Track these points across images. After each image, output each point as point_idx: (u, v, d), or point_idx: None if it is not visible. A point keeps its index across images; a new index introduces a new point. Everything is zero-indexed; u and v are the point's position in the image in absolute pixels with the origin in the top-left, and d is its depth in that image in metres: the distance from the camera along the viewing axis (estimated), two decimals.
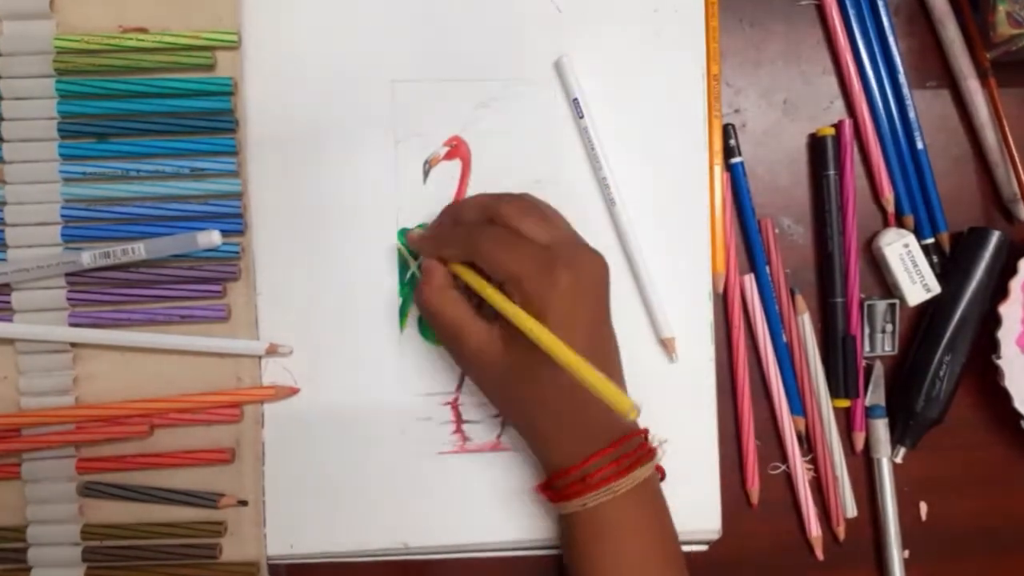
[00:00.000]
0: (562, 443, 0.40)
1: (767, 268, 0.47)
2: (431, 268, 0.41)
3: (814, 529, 0.47)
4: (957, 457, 0.48)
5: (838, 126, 0.47)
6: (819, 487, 0.47)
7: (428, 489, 0.45)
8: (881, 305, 0.47)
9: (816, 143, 0.48)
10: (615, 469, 0.39)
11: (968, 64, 0.47)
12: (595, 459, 0.39)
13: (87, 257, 0.43)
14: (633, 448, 0.40)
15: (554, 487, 0.40)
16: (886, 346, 0.48)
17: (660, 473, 0.42)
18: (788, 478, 0.47)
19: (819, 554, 0.47)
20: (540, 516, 0.46)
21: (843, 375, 0.46)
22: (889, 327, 0.48)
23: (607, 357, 0.40)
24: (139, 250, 0.43)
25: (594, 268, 0.39)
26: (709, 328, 0.46)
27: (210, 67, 0.44)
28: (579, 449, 0.39)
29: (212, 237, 0.43)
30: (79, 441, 0.44)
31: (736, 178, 0.47)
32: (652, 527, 0.40)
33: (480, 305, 0.40)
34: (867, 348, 0.48)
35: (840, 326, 0.47)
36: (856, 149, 0.48)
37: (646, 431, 0.41)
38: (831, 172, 0.47)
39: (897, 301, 0.47)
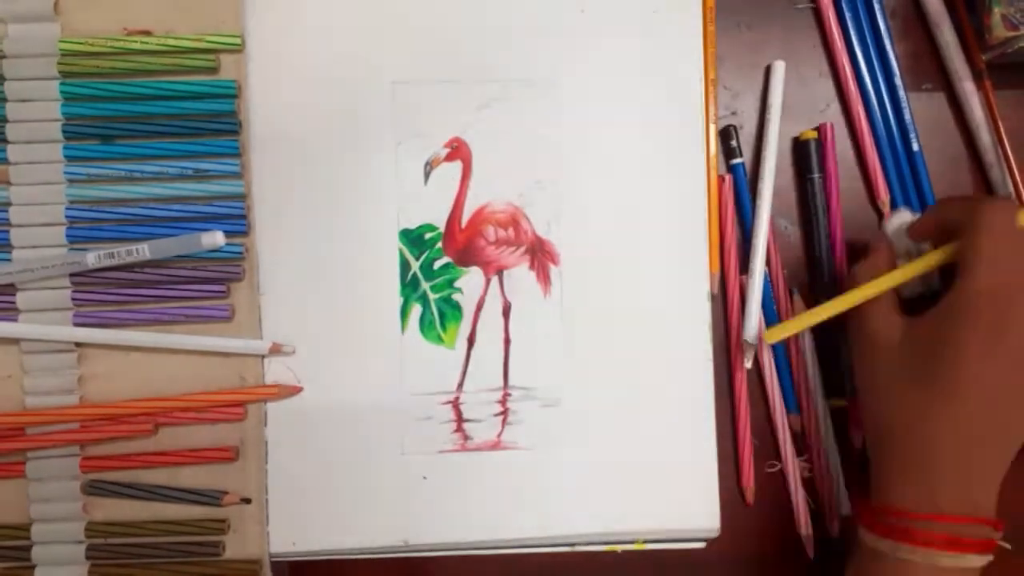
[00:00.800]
0: (922, 483, 0.36)
1: (766, 268, 0.47)
2: (878, 249, 0.40)
3: (804, 528, 0.47)
4: None
5: (820, 129, 0.48)
6: (815, 485, 0.48)
7: (429, 487, 0.46)
8: None
9: (799, 146, 0.48)
10: (952, 543, 0.35)
11: (964, 66, 0.48)
12: (949, 521, 0.35)
13: (92, 258, 0.43)
14: (980, 535, 0.36)
15: (883, 521, 0.37)
16: None
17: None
18: (785, 476, 0.48)
19: (809, 552, 0.47)
20: (541, 514, 0.46)
21: (838, 375, 0.47)
22: None
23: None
24: (143, 251, 0.43)
25: None
26: (707, 328, 0.46)
27: (214, 70, 0.45)
28: (938, 499, 0.36)
29: (216, 238, 0.43)
30: (83, 440, 0.44)
31: (737, 179, 0.48)
32: None
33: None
34: None
35: (833, 327, 0.47)
36: (852, 151, 0.48)
37: (999, 523, 0.37)
38: (815, 175, 0.47)
39: None
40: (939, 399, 0.35)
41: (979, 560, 0.36)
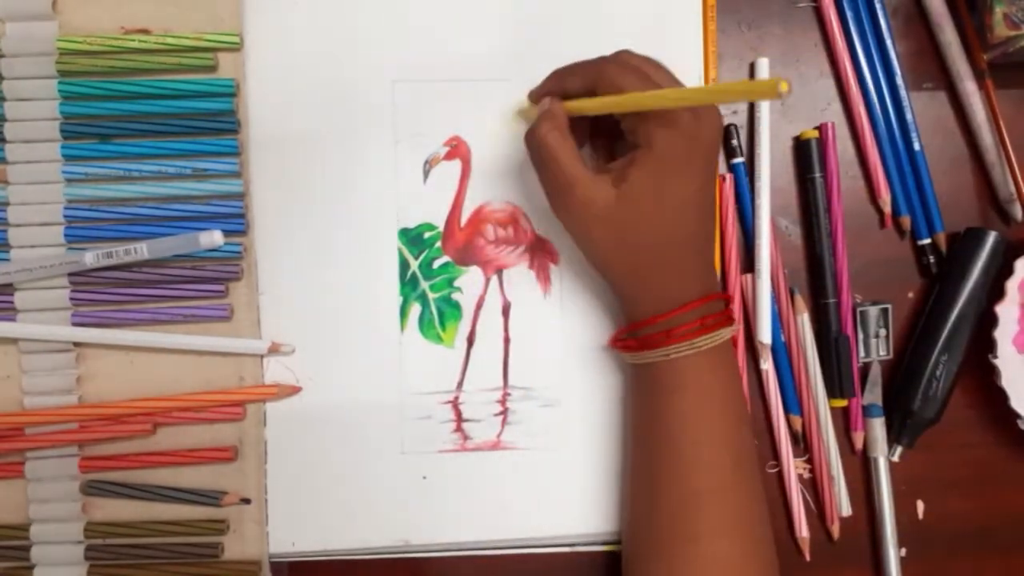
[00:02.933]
0: (654, 290, 0.40)
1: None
2: (552, 107, 0.41)
3: (802, 529, 0.47)
4: (954, 456, 0.49)
5: (821, 128, 0.48)
6: (815, 486, 0.48)
7: (429, 487, 0.46)
8: (874, 311, 0.48)
9: (800, 146, 0.48)
10: (700, 325, 0.40)
11: (965, 66, 0.48)
12: (684, 311, 0.39)
13: (90, 257, 0.43)
14: (719, 309, 0.41)
15: (636, 335, 0.41)
16: (880, 351, 0.48)
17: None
18: (784, 476, 0.48)
19: (806, 555, 0.47)
20: (540, 514, 0.46)
21: (838, 374, 0.47)
22: (883, 331, 0.48)
23: (710, 202, 0.41)
24: (141, 250, 0.43)
25: (715, 118, 0.39)
26: None
27: (212, 68, 0.45)
28: (670, 297, 0.40)
29: (214, 237, 0.43)
30: (82, 440, 0.44)
31: (738, 178, 0.47)
32: (727, 387, 0.41)
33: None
34: (862, 353, 0.48)
35: (834, 327, 0.47)
36: (853, 150, 0.48)
37: (727, 295, 0.43)
38: (816, 175, 0.47)
39: (890, 305, 0.48)
40: (651, 228, 0.39)
41: (728, 332, 0.41)
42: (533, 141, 0.41)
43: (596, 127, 0.44)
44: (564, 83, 0.42)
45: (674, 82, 0.40)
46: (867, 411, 0.48)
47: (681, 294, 0.40)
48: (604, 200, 0.39)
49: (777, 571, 0.42)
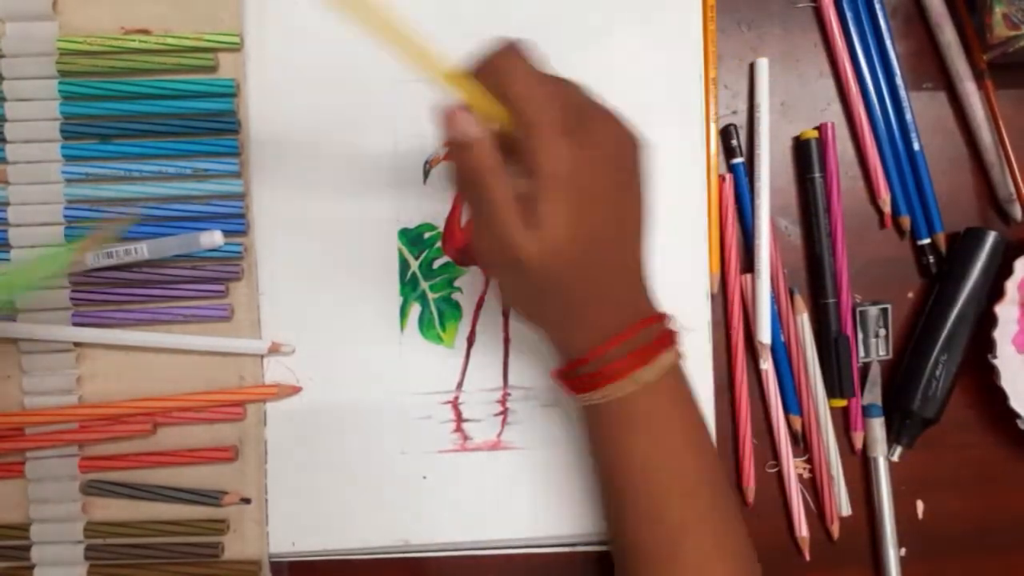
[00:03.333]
0: (577, 329, 0.36)
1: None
2: (460, 119, 0.34)
3: (802, 529, 0.47)
4: (953, 456, 0.49)
5: (821, 128, 0.48)
6: (815, 486, 0.48)
7: (429, 487, 0.46)
8: (873, 311, 0.48)
9: (800, 146, 0.48)
10: (637, 358, 0.36)
11: (965, 66, 0.48)
12: (613, 345, 0.36)
13: (90, 257, 0.43)
14: (654, 335, 0.37)
15: (574, 375, 0.37)
16: (880, 351, 0.48)
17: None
18: (784, 477, 0.48)
19: (806, 555, 0.47)
20: (540, 514, 0.46)
21: (837, 374, 0.47)
22: (882, 331, 0.48)
23: (635, 227, 0.37)
24: (142, 250, 0.43)
25: (618, 128, 0.36)
26: (708, 327, 0.46)
27: (212, 69, 0.45)
28: (596, 335, 0.36)
29: (214, 237, 0.43)
30: (82, 440, 0.44)
31: (737, 178, 0.47)
32: (684, 413, 0.38)
33: None
34: (862, 353, 0.48)
35: (834, 327, 0.47)
36: (852, 151, 0.48)
37: (663, 316, 0.38)
38: (816, 175, 0.47)
39: (889, 306, 0.48)
40: (575, 267, 0.35)
41: (673, 355, 0.37)
42: (459, 164, 0.35)
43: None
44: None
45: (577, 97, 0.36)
46: (867, 411, 0.48)
47: (605, 329, 0.36)
48: (528, 256, 0.34)
49: None
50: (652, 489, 0.37)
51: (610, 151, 0.35)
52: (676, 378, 0.38)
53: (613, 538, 0.41)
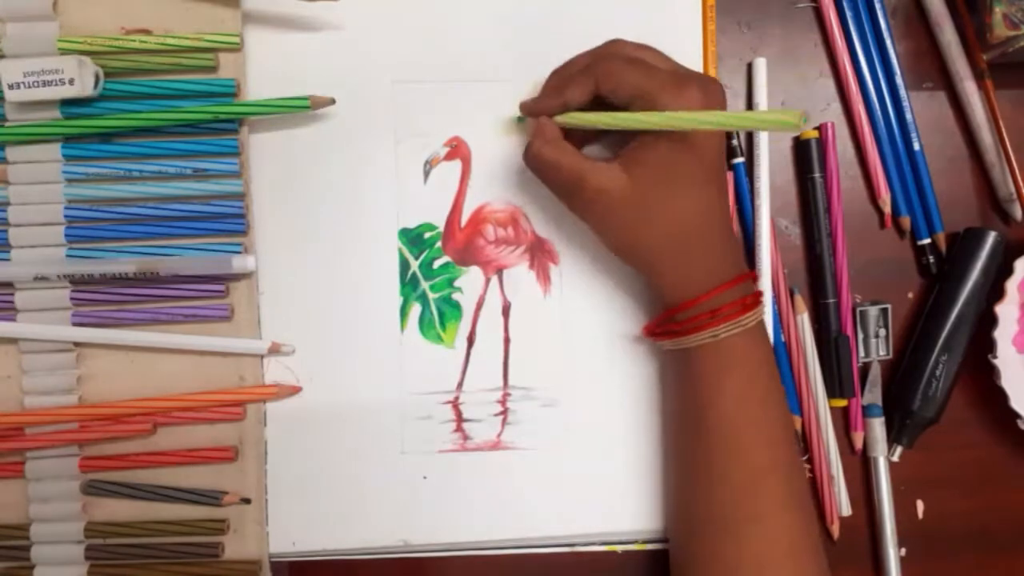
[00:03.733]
0: (690, 273, 0.40)
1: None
2: (541, 123, 0.41)
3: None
4: (953, 456, 0.49)
5: (821, 128, 0.48)
6: (815, 486, 0.48)
7: (429, 487, 0.46)
8: (873, 311, 0.48)
9: (800, 146, 0.48)
10: (742, 304, 0.40)
11: (965, 66, 0.48)
12: (725, 289, 0.39)
13: (130, 267, 0.43)
14: (752, 289, 0.41)
15: (677, 319, 0.41)
16: (880, 351, 0.48)
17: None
18: None
19: None
20: (540, 514, 0.46)
21: (837, 374, 0.47)
22: (882, 331, 0.48)
23: (724, 177, 0.41)
24: (171, 267, 0.43)
25: (719, 90, 0.40)
26: None
27: (212, 69, 0.45)
28: (707, 279, 0.40)
29: (247, 262, 0.44)
30: (82, 440, 0.44)
31: (738, 178, 0.47)
32: (772, 363, 0.41)
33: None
34: (862, 353, 0.48)
35: (834, 327, 0.47)
36: (852, 151, 0.48)
37: (756, 275, 0.43)
38: (816, 175, 0.47)
39: (889, 306, 0.48)
40: (676, 211, 0.39)
41: (762, 311, 0.41)
42: (529, 160, 0.42)
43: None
44: (564, 96, 0.41)
45: (672, 64, 0.41)
46: (867, 411, 0.48)
47: (717, 273, 0.40)
48: (618, 185, 0.39)
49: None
50: (742, 429, 0.40)
51: (716, 104, 0.39)
52: (764, 331, 0.42)
53: (682, 489, 0.43)
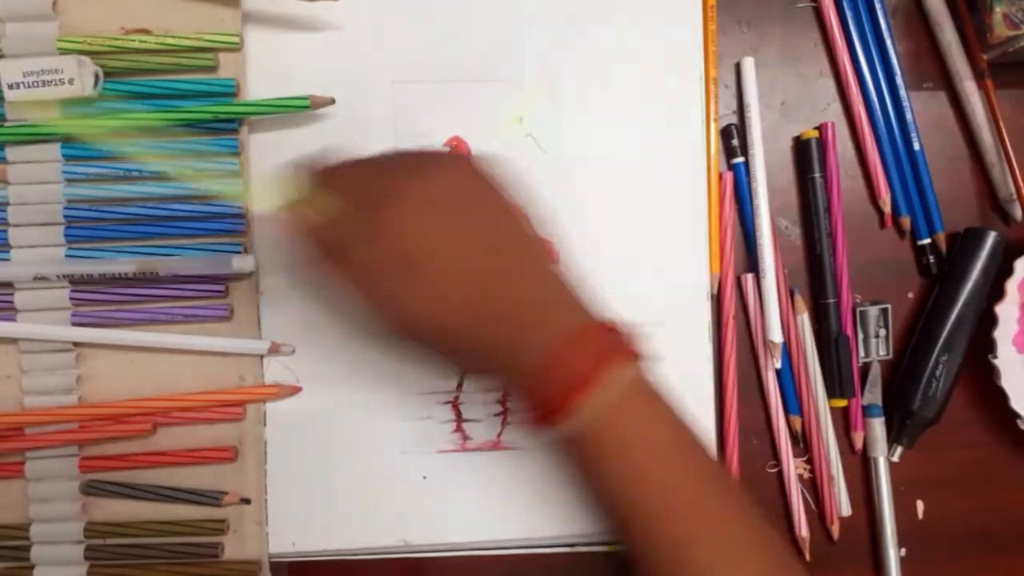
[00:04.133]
0: (527, 342, 0.34)
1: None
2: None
3: (802, 529, 0.47)
4: (953, 456, 0.49)
5: (821, 128, 0.48)
6: (815, 486, 0.48)
7: (429, 487, 0.46)
8: (873, 311, 0.48)
9: (800, 146, 0.48)
10: (579, 385, 0.33)
11: (965, 65, 0.48)
12: (553, 372, 0.33)
13: (131, 267, 0.43)
14: (628, 339, 0.35)
15: (554, 401, 0.34)
16: (880, 351, 0.48)
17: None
18: (783, 477, 0.48)
19: (806, 555, 0.47)
20: (540, 514, 0.46)
21: (838, 374, 0.47)
22: (882, 331, 0.48)
23: (513, 251, 0.36)
24: (170, 267, 0.43)
25: (446, 169, 0.36)
26: (707, 328, 0.46)
27: (212, 68, 0.45)
28: (542, 345, 0.34)
29: (245, 262, 0.44)
30: (82, 440, 0.44)
31: (737, 178, 0.47)
32: (657, 429, 0.35)
33: None
34: (862, 353, 0.48)
35: (834, 327, 0.47)
36: (852, 151, 0.48)
37: (613, 325, 0.35)
38: (816, 175, 0.47)
39: (889, 306, 0.48)
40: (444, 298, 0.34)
41: (631, 367, 0.34)
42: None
43: None
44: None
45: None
46: (867, 411, 0.48)
47: (548, 339, 0.34)
48: (415, 311, 0.34)
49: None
50: (652, 509, 0.34)
51: (441, 184, 0.35)
52: (641, 389, 0.35)
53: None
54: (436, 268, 0.34)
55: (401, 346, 0.36)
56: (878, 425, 0.48)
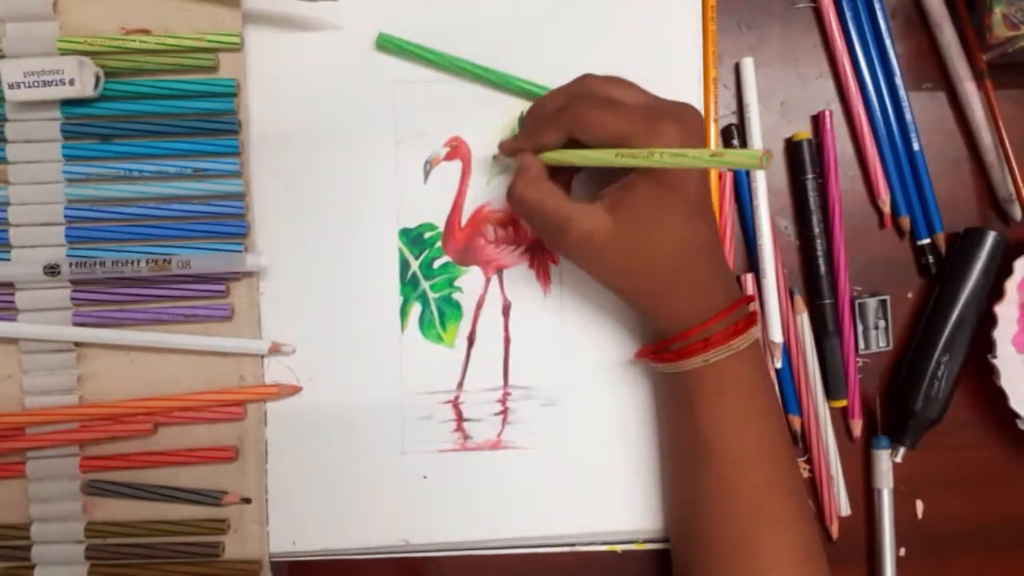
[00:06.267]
0: (680, 308, 0.40)
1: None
2: (525, 161, 0.41)
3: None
4: (953, 456, 0.49)
5: (818, 117, 0.47)
6: (815, 486, 0.48)
7: (429, 487, 0.46)
8: (872, 302, 0.48)
9: (792, 147, 0.48)
10: (733, 330, 0.40)
11: (964, 66, 0.48)
12: (716, 321, 0.40)
13: (144, 264, 0.43)
14: (745, 314, 0.41)
15: (672, 349, 0.41)
16: (880, 342, 0.48)
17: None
18: None
19: None
20: (540, 514, 0.46)
21: (824, 375, 0.47)
22: (882, 323, 0.48)
23: (710, 209, 0.41)
24: (187, 264, 0.44)
25: (696, 118, 0.40)
26: None
27: (213, 69, 0.45)
28: (698, 313, 0.40)
29: (260, 260, 0.44)
30: (83, 440, 0.44)
31: (738, 178, 0.47)
32: (767, 379, 0.42)
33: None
34: (862, 345, 0.48)
35: (830, 326, 0.47)
36: (852, 151, 0.48)
37: (750, 298, 0.44)
38: (808, 176, 0.47)
39: (888, 297, 0.48)
40: (662, 245, 0.39)
41: (757, 331, 0.42)
42: (513, 200, 0.41)
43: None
44: (538, 139, 0.41)
45: (642, 95, 0.41)
46: (873, 443, 0.48)
47: (709, 306, 0.40)
48: (602, 228, 0.39)
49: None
50: (740, 449, 0.40)
51: (693, 134, 0.39)
52: (759, 349, 0.42)
53: (683, 506, 0.43)
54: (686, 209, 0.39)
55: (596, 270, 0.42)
56: (884, 457, 0.47)
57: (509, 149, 0.44)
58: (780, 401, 0.43)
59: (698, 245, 0.40)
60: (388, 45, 0.45)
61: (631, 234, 0.39)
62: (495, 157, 0.46)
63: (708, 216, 0.41)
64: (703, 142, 0.41)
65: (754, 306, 0.45)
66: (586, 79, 0.42)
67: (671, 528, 0.46)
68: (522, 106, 0.46)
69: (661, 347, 0.42)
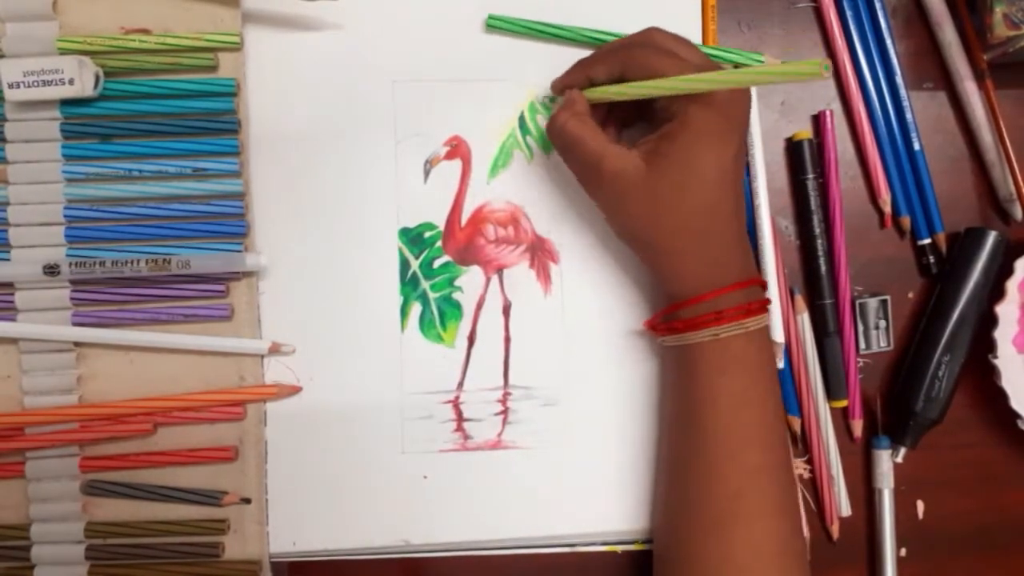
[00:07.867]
0: (699, 268, 0.40)
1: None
2: (572, 95, 0.42)
3: (802, 529, 0.47)
4: (954, 456, 0.49)
5: (819, 116, 0.47)
6: (815, 486, 0.48)
7: (429, 487, 0.46)
8: (873, 302, 0.48)
9: (793, 147, 0.48)
10: (746, 308, 0.40)
11: (965, 66, 0.48)
12: (731, 291, 0.40)
13: (143, 264, 0.43)
14: (759, 295, 0.41)
15: (681, 316, 0.41)
16: (881, 342, 0.48)
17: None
18: None
19: (806, 554, 0.47)
20: (540, 514, 0.46)
21: (824, 375, 0.47)
22: (882, 323, 0.48)
23: (740, 181, 0.41)
24: (186, 264, 0.43)
25: (747, 97, 0.41)
26: None
27: (212, 68, 0.45)
28: (715, 277, 0.40)
29: (260, 259, 0.44)
30: (83, 440, 0.44)
31: None
32: (772, 367, 0.42)
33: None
34: (862, 345, 0.48)
35: (830, 327, 0.47)
36: (853, 151, 0.48)
37: (765, 282, 0.43)
38: (809, 176, 0.47)
39: (888, 297, 0.48)
40: (690, 203, 0.39)
41: (767, 317, 0.41)
42: (554, 130, 0.42)
43: (619, 107, 0.44)
44: (589, 72, 0.42)
45: (705, 59, 0.41)
46: (874, 443, 0.48)
47: (726, 273, 0.40)
48: (634, 170, 0.39)
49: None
50: (737, 429, 0.40)
51: (743, 113, 0.41)
52: (767, 336, 0.42)
53: (673, 486, 0.43)
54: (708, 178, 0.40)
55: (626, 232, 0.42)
56: (885, 457, 0.47)
57: (560, 85, 0.44)
58: (780, 394, 0.42)
59: (722, 210, 0.40)
60: (498, 24, 0.45)
61: (661, 181, 0.39)
62: (551, 99, 0.46)
63: (738, 187, 0.41)
64: (747, 121, 0.41)
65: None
66: (652, 31, 0.42)
67: (654, 511, 0.45)
68: (524, 105, 0.46)
69: (670, 313, 0.42)
